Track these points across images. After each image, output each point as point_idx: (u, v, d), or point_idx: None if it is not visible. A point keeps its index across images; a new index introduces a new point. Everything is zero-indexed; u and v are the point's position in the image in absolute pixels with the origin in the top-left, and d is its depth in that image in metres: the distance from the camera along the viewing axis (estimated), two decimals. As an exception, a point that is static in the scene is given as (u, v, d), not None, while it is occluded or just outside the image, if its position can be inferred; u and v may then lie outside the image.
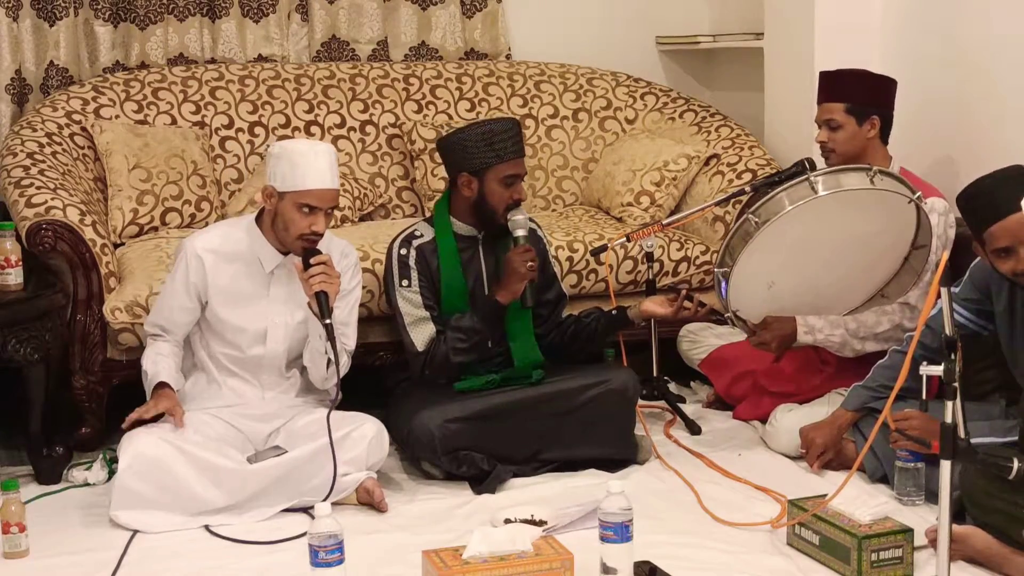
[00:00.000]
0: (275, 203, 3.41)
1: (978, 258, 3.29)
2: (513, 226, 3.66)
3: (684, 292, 3.78)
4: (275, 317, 3.52)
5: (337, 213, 4.49)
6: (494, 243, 3.78)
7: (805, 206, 3.26)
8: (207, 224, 4.29)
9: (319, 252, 3.40)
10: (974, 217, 3.05)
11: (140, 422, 3.39)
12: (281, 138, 4.68)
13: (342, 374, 3.46)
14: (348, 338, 3.58)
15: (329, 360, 3.43)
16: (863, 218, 3.37)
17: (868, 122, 3.80)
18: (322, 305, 3.34)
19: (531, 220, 3.95)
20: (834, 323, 3.74)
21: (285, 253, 3.49)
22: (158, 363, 3.47)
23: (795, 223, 3.30)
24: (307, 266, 3.36)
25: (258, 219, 3.52)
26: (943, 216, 3.70)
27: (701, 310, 3.81)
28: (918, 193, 3.35)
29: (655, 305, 3.82)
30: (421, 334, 3.68)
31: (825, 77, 3.90)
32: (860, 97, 3.80)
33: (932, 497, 3.19)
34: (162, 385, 3.43)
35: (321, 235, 3.42)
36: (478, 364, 3.72)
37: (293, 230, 3.39)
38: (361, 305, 4.04)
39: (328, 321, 3.32)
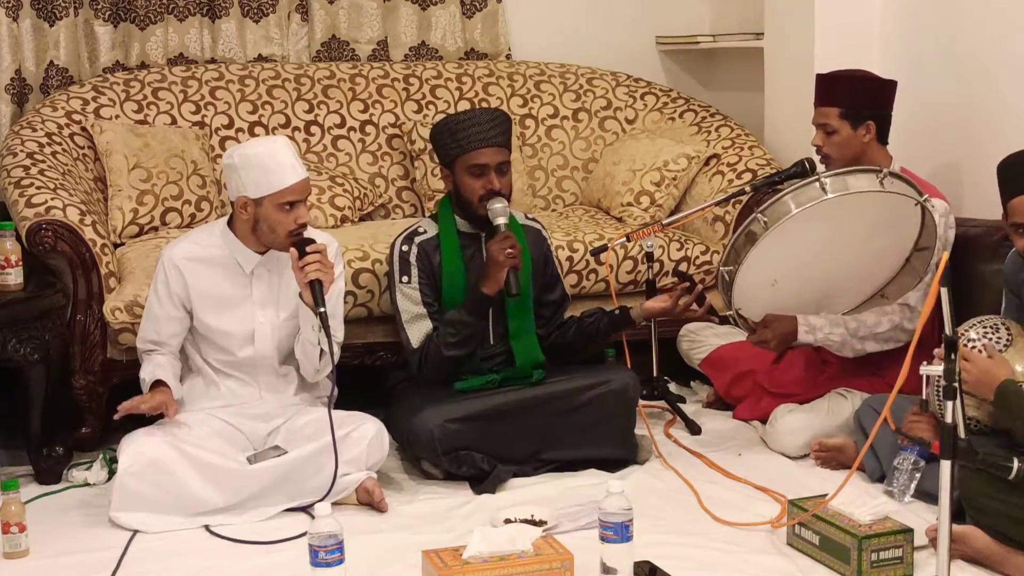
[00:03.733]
0: (252, 211, 3.42)
1: (1004, 264, 3.31)
2: (492, 215, 3.64)
3: (698, 289, 3.78)
4: (260, 317, 3.53)
5: (337, 213, 4.50)
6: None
7: (813, 208, 3.26)
8: (207, 224, 4.29)
9: (313, 241, 3.41)
10: (1005, 186, 3.10)
11: (133, 418, 3.39)
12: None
13: (332, 365, 3.47)
14: (335, 330, 3.59)
15: (322, 351, 3.44)
16: (868, 219, 3.37)
17: (863, 126, 3.79)
18: (316, 294, 3.35)
19: (535, 220, 3.96)
20: (834, 322, 3.74)
21: (262, 253, 3.50)
22: (155, 372, 3.48)
23: (802, 224, 3.30)
24: (302, 254, 3.37)
25: (230, 222, 3.53)
26: (943, 217, 3.69)
27: (700, 308, 3.82)
28: (925, 196, 3.35)
29: (655, 301, 3.83)
30: (418, 331, 3.68)
31: (820, 80, 3.89)
32: (854, 101, 3.78)
33: (930, 498, 3.19)
34: (158, 384, 3.44)
35: (306, 225, 3.44)
36: (480, 363, 3.72)
37: (281, 230, 3.41)
38: (361, 305, 4.05)
39: (323, 309, 3.33)
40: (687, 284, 3.80)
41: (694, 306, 3.81)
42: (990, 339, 3.09)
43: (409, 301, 3.69)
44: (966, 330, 3.11)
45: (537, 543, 2.86)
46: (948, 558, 2.52)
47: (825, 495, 3.06)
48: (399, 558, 3.05)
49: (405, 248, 3.73)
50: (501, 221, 3.63)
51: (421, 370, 3.69)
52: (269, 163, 3.38)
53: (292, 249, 3.40)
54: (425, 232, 3.76)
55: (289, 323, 3.54)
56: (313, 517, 2.76)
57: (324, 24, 5.11)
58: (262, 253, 3.51)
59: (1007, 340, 3.08)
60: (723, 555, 3.05)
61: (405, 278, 3.70)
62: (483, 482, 3.53)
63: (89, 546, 3.18)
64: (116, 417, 3.37)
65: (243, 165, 3.39)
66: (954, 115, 4.16)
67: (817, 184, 3.28)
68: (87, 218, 3.94)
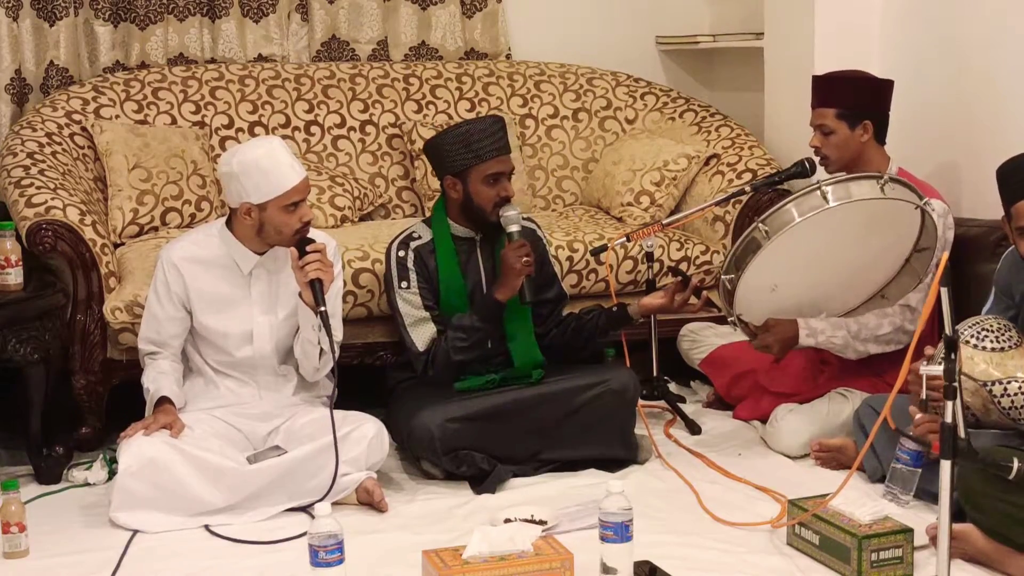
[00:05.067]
0: (257, 215, 3.42)
1: (997, 266, 3.30)
2: (506, 222, 3.66)
3: (693, 283, 3.78)
4: (258, 317, 3.53)
5: (337, 213, 4.50)
6: (492, 244, 3.78)
7: (815, 216, 3.26)
8: (205, 224, 4.29)
9: (313, 240, 3.42)
10: (1006, 190, 3.09)
11: (134, 417, 3.40)
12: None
13: (330, 365, 3.49)
14: (334, 329, 3.58)
15: (322, 350, 3.45)
16: (867, 221, 3.37)
17: (861, 127, 3.79)
18: (316, 293, 3.35)
19: (531, 220, 3.96)
20: (836, 325, 3.74)
21: (260, 253, 3.50)
22: (158, 380, 3.49)
23: (804, 232, 3.29)
24: (302, 254, 3.37)
25: (228, 222, 3.53)
26: (942, 218, 3.69)
27: (698, 301, 3.81)
28: (925, 199, 3.35)
29: (652, 298, 3.83)
30: (422, 334, 3.69)
31: (817, 81, 3.90)
32: (851, 102, 3.79)
33: (928, 497, 3.19)
34: (164, 400, 3.44)
35: (311, 222, 3.46)
36: (479, 364, 3.72)
37: (287, 231, 3.41)
38: (361, 305, 4.05)
39: (323, 308, 3.34)
40: (680, 279, 3.81)
41: (693, 300, 3.81)
42: (1001, 334, 3.08)
43: (410, 306, 3.70)
44: (962, 331, 3.11)
45: (537, 543, 2.85)
46: (948, 557, 2.53)
47: (825, 495, 3.06)
48: (399, 558, 3.05)
49: (401, 253, 3.73)
50: (514, 228, 3.65)
51: (427, 372, 3.69)
52: (269, 166, 3.37)
53: (292, 249, 3.41)
54: (420, 237, 3.76)
55: (287, 323, 3.54)
56: (313, 517, 2.76)
57: (324, 24, 5.11)
58: (261, 253, 3.51)
59: (1017, 340, 3.08)
60: (723, 555, 3.05)
61: (404, 283, 3.71)
62: (483, 482, 3.53)
63: (89, 546, 3.18)
64: (121, 438, 3.36)
65: (243, 172, 3.38)
66: (953, 115, 4.16)
67: (818, 193, 3.27)
68: (87, 218, 3.94)
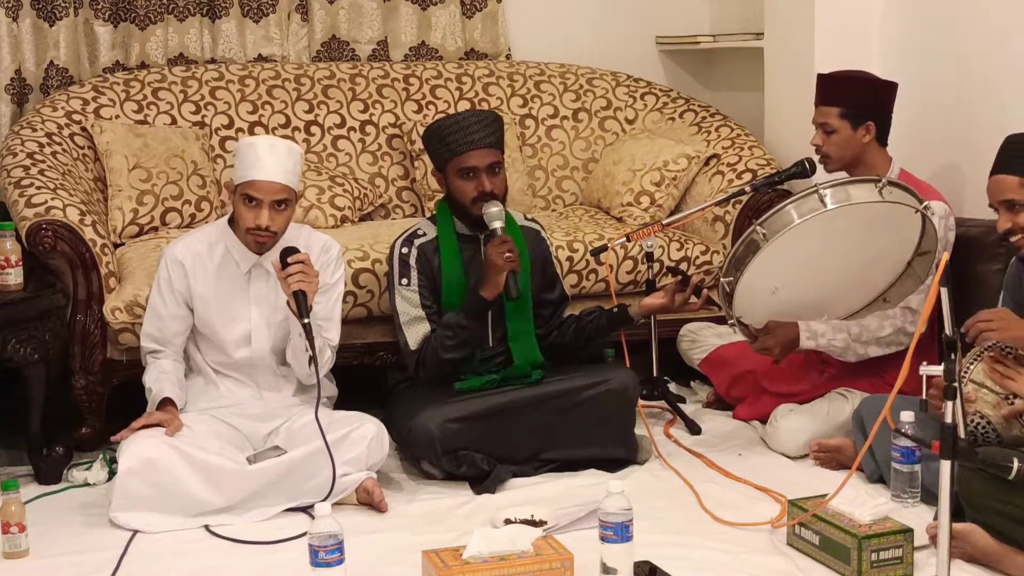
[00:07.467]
0: (229, 197, 3.48)
1: (1007, 267, 3.30)
2: (488, 219, 3.64)
3: (693, 282, 3.78)
4: (256, 318, 3.53)
5: (337, 213, 4.50)
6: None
7: (813, 219, 3.26)
8: (208, 223, 4.29)
9: (297, 251, 3.41)
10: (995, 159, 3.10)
11: (134, 417, 3.40)
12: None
13: (327, 369, 3.50)
14: (331, 333, 3.58)
15: (311, 357, 3.44)
16: (869, 226, 3.37)
17: (863, 127, 3.79)
18: (300, 304, 3.34)
19: (534, 220, 3.96)
20: (836, 328, 3.74)
21: (260, 253, 3.50)
22: (161, 380, 3.49)
23: (802, 234, 3.29)
24: (284, 265, 3.37)
25: (230, 221, 3.54)
26: (943, 219, 3.69)
27: (699, 300, 3.80)
28: (925, 203, 3.34)
29: (653, 298, 3.83)
30: (415, 333, 3.69)
31: (821, 80, 3.90)
32: (855, 102, 3.79)
33: (930, 497, 3.19)
34: (166, 401, 3.45)
35: (266, 229, 3.42)
36: (479, 364, 3.72)
37: (242, 223, 3.44)
38: (361, 305, 4.05)
39: (306, 320, 3.32)
40: (680, 278, 3.80)
41: (693, 299, 3.80)
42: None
43: (407, 303, 3.70)
44: (967, 367, 3.11)
45: (537, 543, 2.86)
46: (948, 557, 2.52)
47: (825, 495, 3.06)
48: (399, 558, 3.05)
49: (405, 250, 3.73)
50: (497, 225, 3.63)
51: (419, 371, 3.69)
52: (249, 154, 3.40)
53: (275, 260, 3.41)
54: (424, 234, 3.76)
55: (286, 324, 3.53)
56: (313, 517, 2.76)
57: (324, 24, 5.11)
58: (259, 253, 3.51)
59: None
60: (723, 555, 3.05)
61: (404, 280, 3.70)
62: (483, 482, 3.53)
63: (89, 546, 3.18)
64: (113, 440, 3.36)
65: (237, 150, 3.46)
66: (954, 116, 4.15)
67: (816, 196, 3.27)
68: (87, 218, 3.94)
